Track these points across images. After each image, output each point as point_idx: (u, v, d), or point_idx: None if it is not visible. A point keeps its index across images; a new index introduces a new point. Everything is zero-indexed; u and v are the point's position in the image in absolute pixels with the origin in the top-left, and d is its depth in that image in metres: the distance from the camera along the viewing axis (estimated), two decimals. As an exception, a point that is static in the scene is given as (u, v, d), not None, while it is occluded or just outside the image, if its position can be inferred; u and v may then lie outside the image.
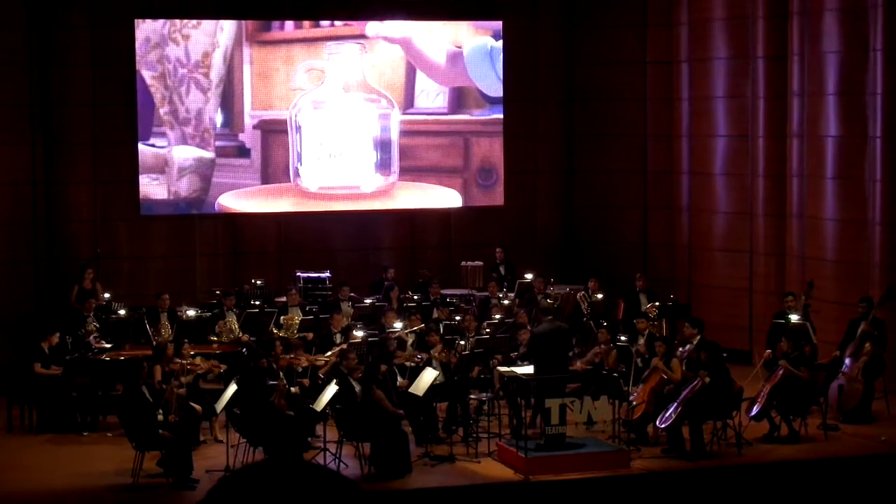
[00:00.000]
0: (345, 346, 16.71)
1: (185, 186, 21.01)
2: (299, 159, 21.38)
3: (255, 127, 21.24)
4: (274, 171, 21.39)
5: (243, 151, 21.22)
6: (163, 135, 20.84)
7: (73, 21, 20.36)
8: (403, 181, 21.91)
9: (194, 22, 20.79)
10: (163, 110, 20.79)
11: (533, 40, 22.54)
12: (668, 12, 21.54)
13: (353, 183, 21.66)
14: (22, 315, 19.41)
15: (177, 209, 21.05)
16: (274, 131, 21.33)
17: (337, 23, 21.54)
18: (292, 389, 15.62)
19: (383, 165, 21.75)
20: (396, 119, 21.71)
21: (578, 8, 22.54)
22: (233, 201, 21.25)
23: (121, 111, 20.66)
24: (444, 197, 22.16)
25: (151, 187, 20.87)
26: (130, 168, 20.72)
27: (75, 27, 20.37)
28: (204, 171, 21.05)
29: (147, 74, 20.71)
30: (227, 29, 20.92)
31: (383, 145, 21.70)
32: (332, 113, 21.48)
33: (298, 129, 21.34)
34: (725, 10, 20.57)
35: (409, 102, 21.84)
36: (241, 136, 21.21)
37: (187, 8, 20.86)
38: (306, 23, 21.49)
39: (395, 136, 21.72)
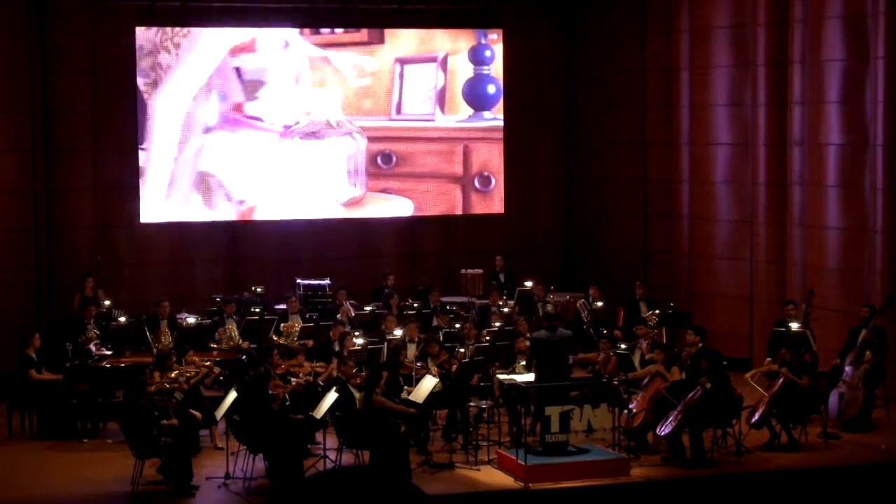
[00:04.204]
0: (344, 353, 16.70)
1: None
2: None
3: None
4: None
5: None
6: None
7: (74, 28, 20.35)
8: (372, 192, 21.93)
9: (185, 30, 20.80)
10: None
11: (533, 48, 22.53)
12: (669, 20, 21.54)
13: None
14: (23, 322, 19.37)
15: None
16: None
17: (338, 30, 21.58)
18: (293, 381, 15.77)
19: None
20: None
21: (579, 15, 22.53)
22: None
23: (121, 118, 20.65)
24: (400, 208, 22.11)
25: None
26: (131, 175, 20.72)
27: (76, 34, 20.36)
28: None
29: (140, 82, 20.71)
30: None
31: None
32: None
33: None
34: (726, 17, 20.56)
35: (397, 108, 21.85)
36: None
37: (188, 15, 20.84)
38: (307, 30, 21.50)
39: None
